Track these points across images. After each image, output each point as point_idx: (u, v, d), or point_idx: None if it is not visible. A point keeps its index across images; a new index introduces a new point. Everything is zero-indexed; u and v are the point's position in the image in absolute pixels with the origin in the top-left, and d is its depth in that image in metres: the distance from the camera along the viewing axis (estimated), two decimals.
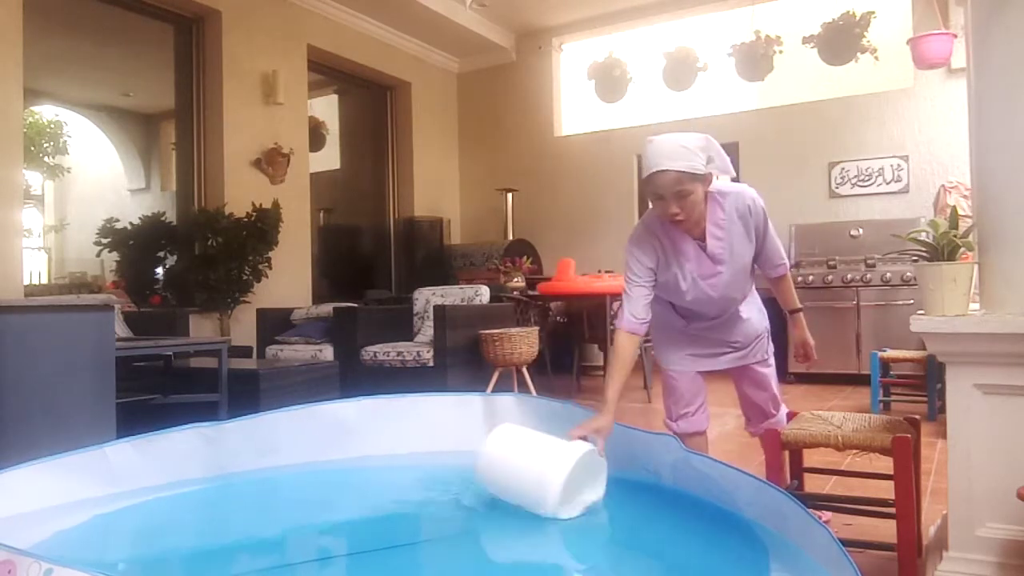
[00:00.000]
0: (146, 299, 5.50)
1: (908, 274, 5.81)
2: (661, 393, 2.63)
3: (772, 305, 2.58)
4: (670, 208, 2.11)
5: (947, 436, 1.90)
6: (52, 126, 9.08)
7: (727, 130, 7.10)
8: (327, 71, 7.46)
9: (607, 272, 6.47)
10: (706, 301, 2.33)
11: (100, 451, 2.02)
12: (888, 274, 5.96)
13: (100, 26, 6.69)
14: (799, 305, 2.50)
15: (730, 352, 2.45)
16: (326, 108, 8.20)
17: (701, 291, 2.29)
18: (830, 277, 6.14)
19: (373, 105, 8.18)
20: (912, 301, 5.71)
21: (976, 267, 1.93)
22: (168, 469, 2.11)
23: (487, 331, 4.76)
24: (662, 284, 2.31)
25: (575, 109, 8.23)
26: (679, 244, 2.26)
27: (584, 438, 1.99)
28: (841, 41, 6.06)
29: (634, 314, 2.23)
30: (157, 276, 5.69)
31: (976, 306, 1.97)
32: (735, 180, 2.38)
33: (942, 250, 1.87)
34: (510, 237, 7.84)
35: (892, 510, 1.98)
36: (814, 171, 6.80)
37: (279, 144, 6.31)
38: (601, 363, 6.08)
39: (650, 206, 2.30)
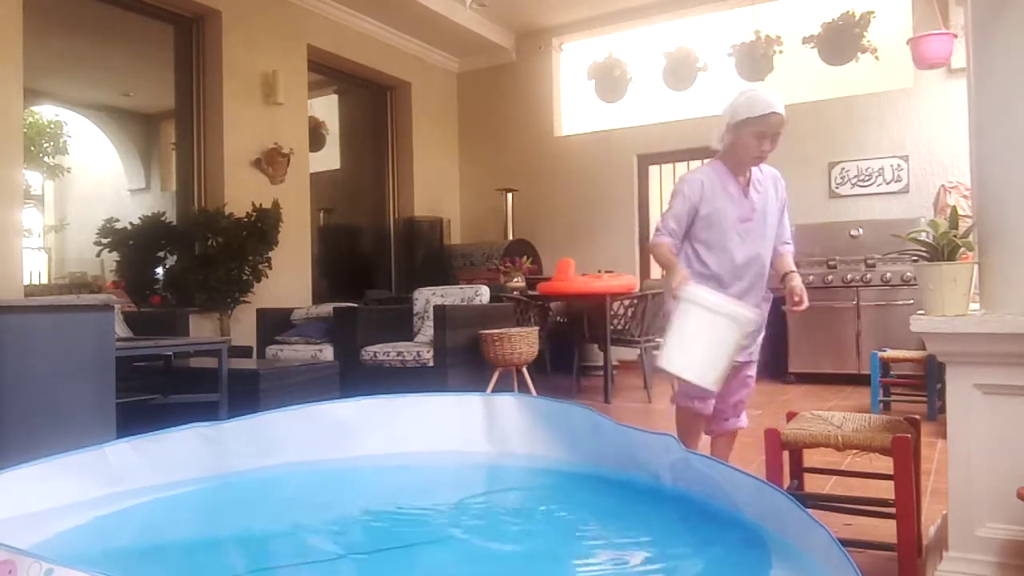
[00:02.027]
0: (146, 299, 5.50)
1: (908, 274, 5.81)
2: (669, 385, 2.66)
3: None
4: (764, 146, 2.52)
5: (947, 436, 1.90)
6: (52, 126, 9.08)
7: None
8: (327, 71, 7.46)
9: (607, 272, 6.47)
10: (739, 248, 2.60)
11: (100, 451, 2.01)
12: (888, 274, 5.96)
13: (100, 26, 6.69)
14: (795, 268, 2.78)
15: (747, 345, 2.58)
16: (326, 108, 8.20)
17: (737, 234, 2.60)
18: (830, 277, 6.14)
19: (373, 105, 8.18)
20: (912, 301, 5.71)
21: (976, 267, 1.93)
22: (168, 469, 2.11)
23: (487, 331, 4.76)
24: (704, 220, 2.60)
25: (575, 109, 8.23)
26: (728, 186, 2.63)
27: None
28: (841, 41, 6.06)
29: (668, 230, 2.62)
30: (157, 276, 5.68)
31: (976, 306, 1.97)
32: None
33: (942, 250, 1.87)
34: (510, 237, 7.84)
35: (892, 510, 1.98)
36: (814, 171, 6.80)
37: (279, 144, 6.31)
38: (601, 363, 6.08)
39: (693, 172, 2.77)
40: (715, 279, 2.61)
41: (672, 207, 2.66)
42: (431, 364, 4.70)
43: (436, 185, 8.39)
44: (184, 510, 2.09)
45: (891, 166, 6.54)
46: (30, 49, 4.83)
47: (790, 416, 2.44)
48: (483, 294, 5.33)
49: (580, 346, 6.09)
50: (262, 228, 5.65)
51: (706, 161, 2.77)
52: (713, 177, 2.64)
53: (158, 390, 3.74)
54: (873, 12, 6.05)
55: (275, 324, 5.55)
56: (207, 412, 3.57)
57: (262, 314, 5.60)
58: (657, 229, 2.68)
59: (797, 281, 2.65)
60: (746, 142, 2.55)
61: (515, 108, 8.35)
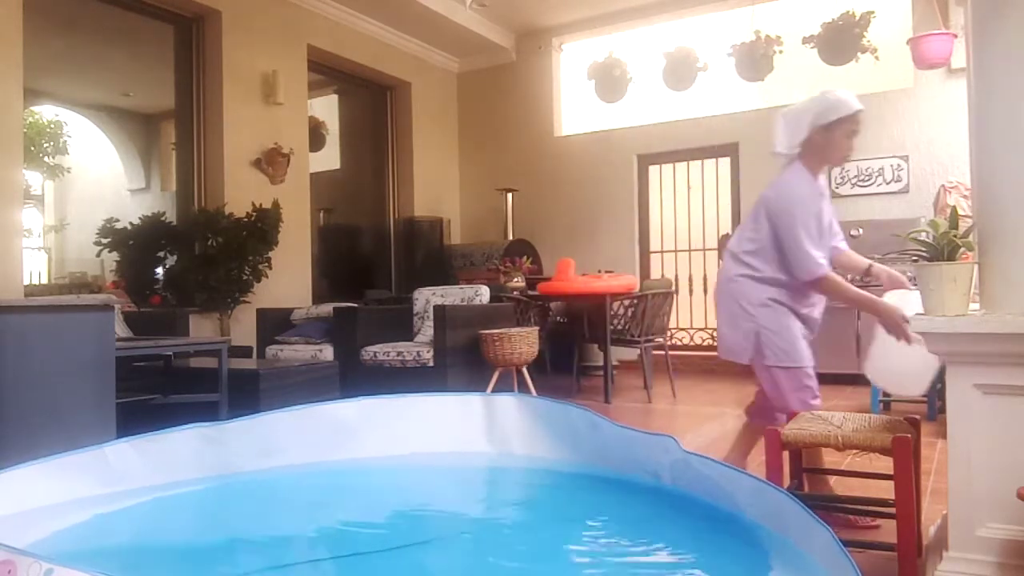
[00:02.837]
0: (146, 299, 5.50)
1: (908, 274, 5.79)
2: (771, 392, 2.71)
3: None
4: (852, 142, 2.59)
5: (947, 436, 1.90)
6: (52, 126, 9.07)
7: (727, 130, 7.09)
8: (327, 71, 7.46)
9: (607, 272, 6.47)
10: (825, 250, 2.66)
11: (100, 451, 2.02)
12: None
13: (100, 26, 6.69)
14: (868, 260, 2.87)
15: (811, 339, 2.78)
16: (326, 108, 8.20)
17: (823, 236, 2.66)
18: None
19: (373, 105, 8.18)
20: None
21: (976, 267, 1.93)
22: (168, 469, 2.11)
23: (487, 331, 4.76)
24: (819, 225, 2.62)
25: (575, 109, 8.23)
26: (819, 189, 2.68)
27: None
28: (841, 41, 6.06)
29: (824, 256, 2.58)
30: (157, 276, 5.68)
31: (976, 306, 1.97)
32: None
33: (942, 250, 1.87)
34: (510, 237, 7.84)
35: (892, 510, 1.97)
36: None
37: (279, 144, 6.31)
38: (601, 363, 6.07)
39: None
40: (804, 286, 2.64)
41: (805, 225, 2.54)
42: (431, 364, 4.70)
43: (436, 185, 8.39)
44: (184, 510, 2.09)
45: (891, 166, 6.54)
46: (30, 49, 4.83)
47: (789, 416, 2.44)
48: (483, 294, 5.33)
49: (580, 346, 6.09)
50: (262, 228, 5.65)
51: (792, 166, 2.66)
52: (809, 181, 2.64)
53: (158, 390, 3.74)
54: (873, 12, 6.05)
55: (275, 324, 5.55)
56: (207, 412, 3.57)
57: (262, 314, 5.60)
58: (806, 255, 2.52)
59: (887, 268, 2.82)
60: (839, 142, 2.60)
61: (515, 108, 8.35)
